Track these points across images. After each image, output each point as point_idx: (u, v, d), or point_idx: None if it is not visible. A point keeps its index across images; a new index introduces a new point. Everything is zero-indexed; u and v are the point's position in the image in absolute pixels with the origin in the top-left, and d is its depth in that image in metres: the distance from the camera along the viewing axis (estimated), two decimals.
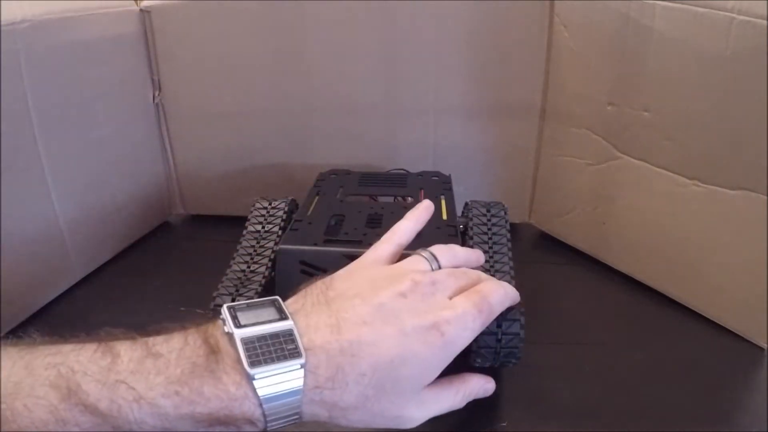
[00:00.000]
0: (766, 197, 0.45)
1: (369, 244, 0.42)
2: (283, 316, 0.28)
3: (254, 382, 0.26)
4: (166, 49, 0.61)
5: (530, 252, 0.64)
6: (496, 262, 0.45)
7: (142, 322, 0.52)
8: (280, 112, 0.63)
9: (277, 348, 0.27)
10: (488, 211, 0.50)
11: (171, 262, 0.64)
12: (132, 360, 0.25)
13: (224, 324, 0.27)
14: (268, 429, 0.27)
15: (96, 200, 0.58)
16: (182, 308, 0.54)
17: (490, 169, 0.65)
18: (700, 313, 0.52)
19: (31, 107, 0.48)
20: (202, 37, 0.60)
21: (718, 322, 0.51)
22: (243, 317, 0.28)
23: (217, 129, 0.65)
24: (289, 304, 0.30)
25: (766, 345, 0.49)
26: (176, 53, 0.61)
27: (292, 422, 0.28)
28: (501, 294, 0.35)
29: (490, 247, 0.46)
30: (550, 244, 0.64)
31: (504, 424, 0.42)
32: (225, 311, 0.28)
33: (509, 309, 0.39)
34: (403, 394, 0.30)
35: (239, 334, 0.27)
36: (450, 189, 0.54)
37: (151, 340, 0.27)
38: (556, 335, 0.51)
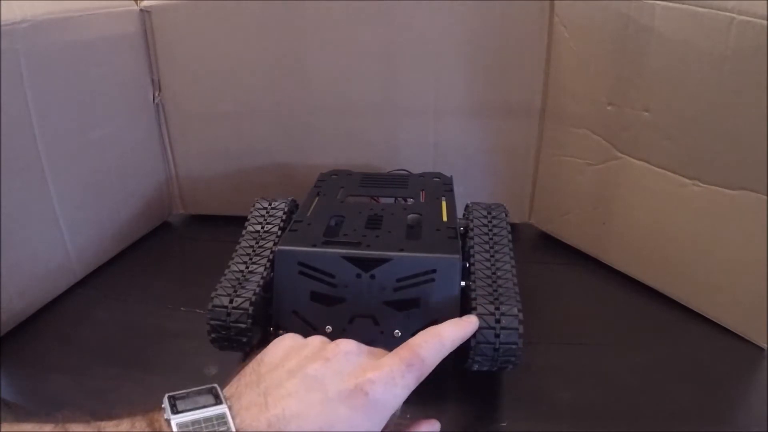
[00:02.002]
0: (766, 197, 0.45)
1: (368, 246, 0.43)
2: (218, 401, 0.30)
3: None
4: (166, 49, 0.61)
5: (530, 252, 0.64)
6: (497, 260, 0.45)
7: (143, 322, 0.52)
8: (280, 112, 0.63)
9: (210, 431, 0.28)
10: (489, 213, 0.50)
11: (171, 262, 0.64)
12: None
13: (164, 411, 0.29)
14: None
15: (96, 200, 0.58)
16: (182, 308, 0.54)
17: (491, 169, 0.65)
18: (700, 313, 0.52)
19: (31, 107, 0.48)
20: (202, 37, 0.60)
21: (718, 322, 0.51)
22: (181, 404, 0.30)
23: (217, 129, 0.65)
24: (226, 389, 0.31)
25: (766, 345, 0.49)
26: (176, 53, 0.61)
27: None
28: (434, 344, 0.34)
29: (492, 247, 0.46)
30: (550, 244, 0.64)
31: (504, 424, 0.42)
32: (165, 400, 0.30)
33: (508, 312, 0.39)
34: None
35: (175, 419, 0.29)
36: (451, 190, 0.54)
37: (103, 423, 0.29)
38: (556, 335, 0.51)
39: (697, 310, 0.53)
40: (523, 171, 0.65)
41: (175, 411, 0.29)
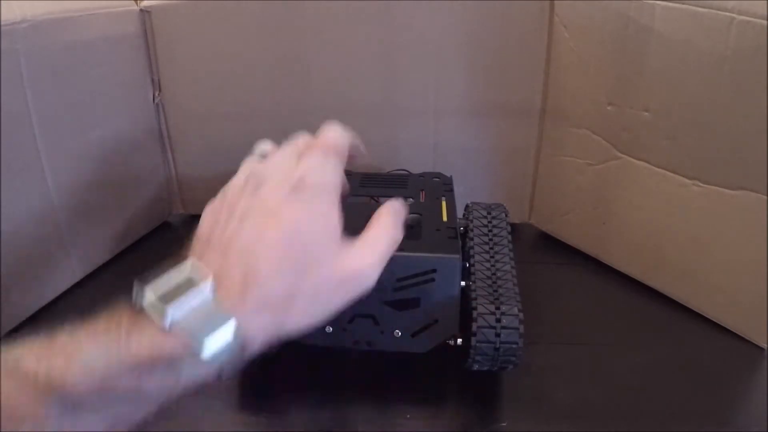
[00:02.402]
0: (766, 197, 0.45)
1: None
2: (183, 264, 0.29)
3: (167, 318, 0.26)
4: (166, 49, 0.61)
5: (530, 252, 0.64)
6: (497, 261, 0.45)
7: None
8: (280, 112, 0.63)
9: (178, 281, 0.28)
10: (489, 213, 0.50)
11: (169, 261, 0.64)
12: (66, 334, 0.27)
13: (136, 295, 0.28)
14: (206, 357, 0.27)
15: (96, 200, 0.58)
16: None
17: (490, 169, 0.65)
18: (700, 313, 0.53)
19: (31, 107, 0.48)
20: (202, 37, 0.60)
21: (718, 322, 0.51)
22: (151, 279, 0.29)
23: (217, 129, 0.65)
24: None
25: (766, 345, 0.49)
26: (176, 53, 0.61)
27: (239, 351, 0.27)
28: (335, 132, 0.38)
29: (491, 248, 0.46)
30: (550, 244, 0.64)
31: (504, 424, 0.42)
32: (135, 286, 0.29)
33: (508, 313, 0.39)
34: (322, 258, 0.30)
35: (146, 288, 0.28)
36: (451, 190, 0.54)
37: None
38: (556, 335, 0.51)
39: (697, 310, 0.53)
40: (523, 171, 0.65)
41: (142, 286, 0.28)
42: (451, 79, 0.61)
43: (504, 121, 0.62)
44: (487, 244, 0.47)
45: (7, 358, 0.26)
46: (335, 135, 0.38)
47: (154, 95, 0.63)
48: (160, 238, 0.67)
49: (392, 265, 0.40)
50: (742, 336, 0.50)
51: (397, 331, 0.41)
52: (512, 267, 0.44)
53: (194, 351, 0.26)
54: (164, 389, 0.27)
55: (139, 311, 0.27)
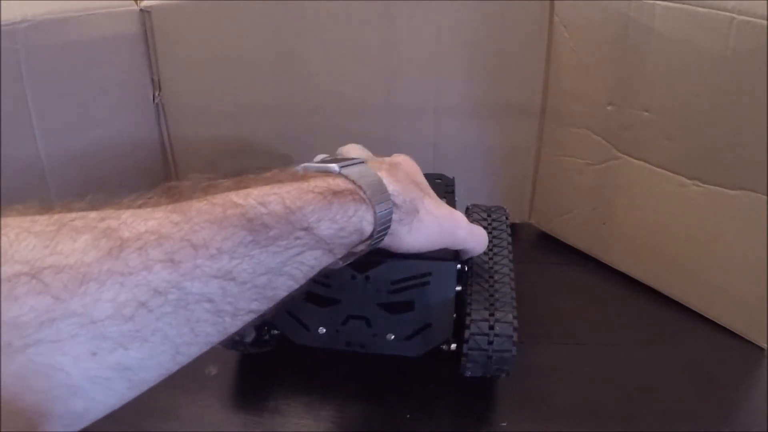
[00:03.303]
0: (766, 197, 0.45)
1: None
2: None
3: (343, 171, 0.30)
4: (166, 49, 0.61)
5: (530, 252, 0.64)
6: (495, 264, 0.44)
7: None
8: (280, 112, 0.63)
9: (347, 161, 0.32)
10: (489, 215, 0.50)
11: None
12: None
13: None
14: (376, 204, 0.30)
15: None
16: None
17: (490, 169, 0.65)
18: (700, 313, 0.52)
19: (31, 107, 0.48)
20: (202, 37, 0.60)
21: (718, 322, 0.51)
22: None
23: (217, 129, 0.65)
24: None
25: (766, 345, 0.49)
26: (176, 53, 0.61)
27: (390, 216, 0.31)
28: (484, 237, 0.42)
29: (490, 250, 0.46)
30: (550, 244, 0.64)
31: (504, 424, 0.42)
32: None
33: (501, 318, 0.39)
34: (435, 196, 0.37)
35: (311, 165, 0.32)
36: (452, 192, 0.53)
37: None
38: (556, 335, 0.51)
39: (697, 310, 0.53)
40: (523, 171, 0.65)
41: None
42: (451, 79, 0.61)
43: (504, 121, 0.62)
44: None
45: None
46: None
47: (154, 95, 0.63)
48: None
49: (388, 267, 0.40)
50: (742, 336, 0.50)
51: (390, 334, 0.41)
52: (511, 271, 0.44)
53: (364, 196, 0.29)
54: (330, 238, 0.28)
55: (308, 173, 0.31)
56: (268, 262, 0.25)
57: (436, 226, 0.34)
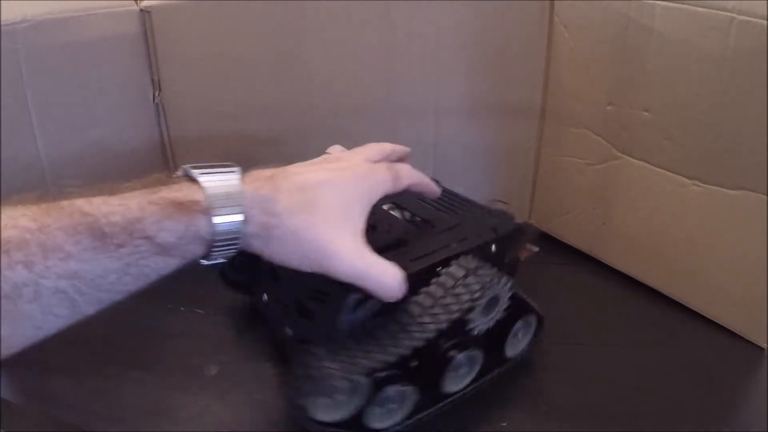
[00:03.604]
0: (766, 197, 0.45)
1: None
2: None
3: (199, 178, 0.32)
4: (166, 49, 0.61)
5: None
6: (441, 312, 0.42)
7: (143, 322, 0.52)
8: (280, 111, 0.63)
9: (219, 168, 0.34)
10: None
11: None
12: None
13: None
14: (213, 216, 0.31)
15: None
16: (182, 308, 0.54)
17: (491, 169, 0.65)
18: (700, 313, 0.52)
19: (31, 107, 0.48)
20: (202, 37, 0.60)
21: (718, 322, 0.51)
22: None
23: (217, 129, 0.65)
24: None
25: (766, 345, 0.49)
26: (176, 53, 0.61)
27: (237, 228, 0.32)
28: (410, 170, 0.42)
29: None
30: (550, 244, 0.64)
31: (504, 424, 0.42)
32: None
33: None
34: (332, 219, 0.34)
35: (187, 168, 0.34)
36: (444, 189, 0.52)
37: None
38: (556, 335, 0.51)
39: (697, 310, 0.53)
40: (523, 171, 0.65)
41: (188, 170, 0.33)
42: (451, 79, 0.61)
43: (504, 121, 0.62)
44: None
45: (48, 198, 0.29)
46: (413, 172, 0.43)
47: (154, 95, 0.63)
48: None
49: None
50: (742, 336, 0.50)
51: (288, 329, 0.43)
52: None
53: (208, 210, 0.31)
54: (172, 246, 0.30)
55: (175, 176, 0.33)
56: (113, 266, 0.29)
57: (296, 246, 0.34)
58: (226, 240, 0.32)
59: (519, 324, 0.44)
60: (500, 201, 0.49)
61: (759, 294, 0.47)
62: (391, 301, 0.36)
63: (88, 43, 0.54)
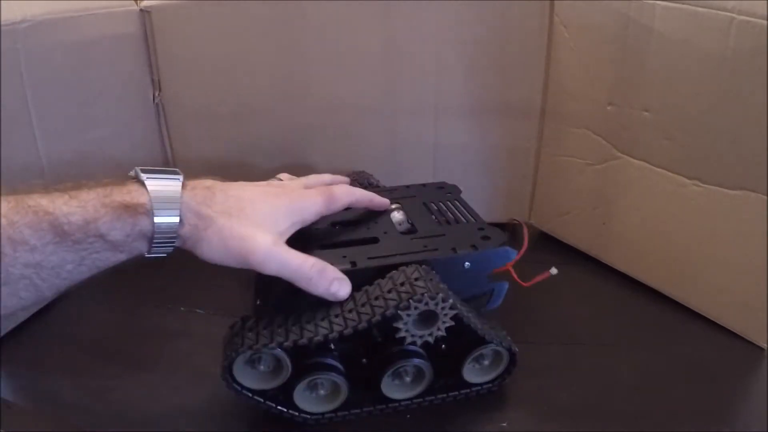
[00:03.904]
0: (766, 197, 0.45)
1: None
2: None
3: (147, 182, 0.36)
4: (166, 49, 0.61)
5: (530, 252, 0.64)
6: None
7: (143, 322, 0.52)
8: (280, 112, 0.63)
9: (165, 175, 0.38)
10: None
11: (171, 262, 0.64)
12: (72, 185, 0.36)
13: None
14: (155, 217, 0.36)
15: None
16: (182, 308, 0.54)
17: (491, 169, 0.65)
18: (700, 313, 0.53)
19: (31, 107, 0.48)
20: (202, 37, 0.60)
21: (718, 322, 0.51)
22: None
23: (217, 129, 0.65)
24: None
25: (766, 345, 0.49)
26: (176, 53, 0.61)
27: (173, 228, 0.36)
28: (346, 190, 0.46)
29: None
30: (550, 244, 0.64)
31: (504, 424, 0.42)
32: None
33: None
34: (257, 223, 0.39)
35: (138, 171, 0.38)
36: (457, 199, 0.52)
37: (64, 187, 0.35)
38: (555, 335, 0.51)
39: (697, 310, 0.53)
40: (523, 171, 0.65)
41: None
42: (451, 79, 0.61)
43: (504, 121, 0.62)
44: None
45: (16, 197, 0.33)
46: (347, 191, 0.46)
47: (154, 95, 0.63)
48: None
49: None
50: (742, 336, 0.50)
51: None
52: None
53: (151, 212, 0.35)
54: (120, 243, 0.35)
55: (128, 176, 0.38)
56: (71, 258, 0.34)
57: (221, 245, 0.38)
58: (165, 237, 0.37)
59: (481, 352, 0.43)
60: (515, 220, 0.49)
61: (759, 294, 0.47)
62: (313, 291, 0.39)
63: (88, 43, 0.54)
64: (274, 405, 0.41)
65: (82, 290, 0.56)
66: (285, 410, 0.42)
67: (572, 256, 0.62)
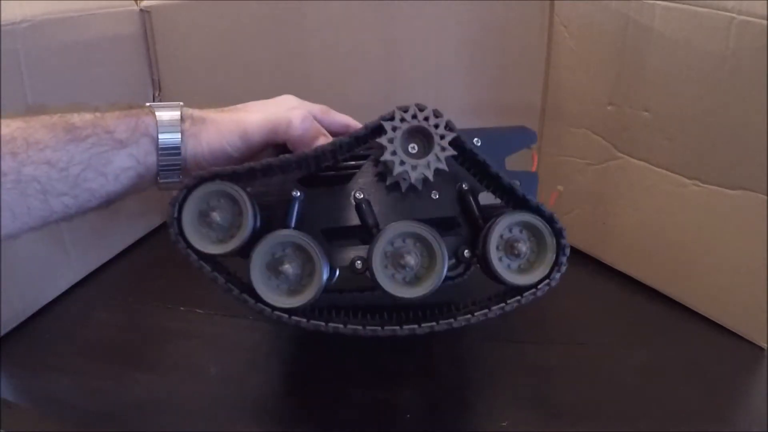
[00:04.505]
0: (766, 197, 0.45)
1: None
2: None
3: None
4: (166, 49, 0.61)
5: None
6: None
7: (143, 322, 0.52)
8: None
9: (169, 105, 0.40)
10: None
11: (171, 262, 0.64)
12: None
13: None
14: (156, 111, 0.39)
15: None
16: (182, 308, 0.54)
17: None
18: (700, 313, 0.52)
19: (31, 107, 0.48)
20: (202, 37, 0.60)
21: (718, 322, 0.51)
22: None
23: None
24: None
25: (766, 345, 0.49)
26: (176, 53, 0.61)
27: (175, 118, 0.39)
28: (302, 124, 0.44)
29: None
30: None
31: (504, 424, 0.42)
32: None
33: None
34: (248, 111, 0.43)
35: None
36: (529, 147, 0.49)
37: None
38: (556, 335, 0.51)
39: (697, 310, 0.53)
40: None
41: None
42: (451, 79, 0.61)
43: (504, 121, 0.62)
44: None
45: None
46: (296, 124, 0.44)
47: (154, 95, 0.63)
48: (159, 238, 0.67)
49: None
50: (742, 336, 0.50)
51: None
52: None
53: (153, 111, 0.38)
54: (126, 139, 0.37)
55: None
56: (79, 157, 0.35)
57: (220, 126, 0.41)
58: (168, 132, 0.38)
59: (509, 223, 0.37)
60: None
61: (759, 294, 0.47)
62: (292, 133, 0.41)
63: (88, 43, 0.54)
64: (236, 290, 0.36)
65: (82, 290, 0.57)
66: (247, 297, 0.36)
67: (572, 256, 0.61)
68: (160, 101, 0.63)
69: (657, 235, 0.54)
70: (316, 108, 0.46)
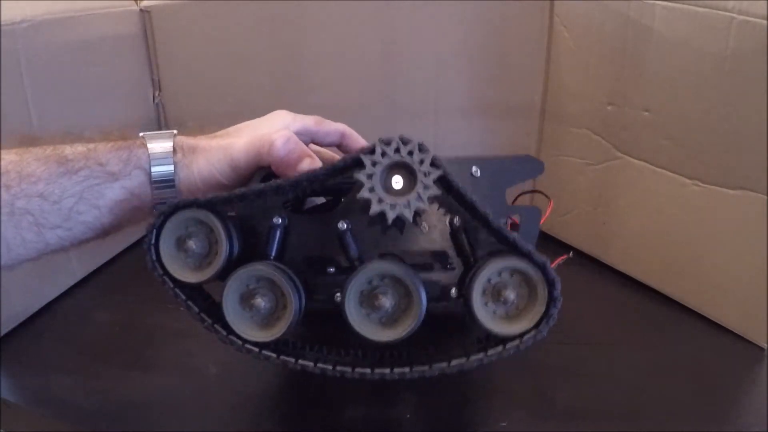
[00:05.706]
0: (766, 197, 0.45)
1: None
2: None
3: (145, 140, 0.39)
4: (166, 49, 0.61)
5: None
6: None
7: (143, 322, 0.52)
8: None
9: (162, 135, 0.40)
10: None
11: None
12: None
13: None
14: (149, 143, 0.38)
15: None
16: (182, 308, 0.54)
17: None
18: (700, 313, 0.52)
19: (31, 107, 0.48)
20: (202, 37, 0.60)
21: (718, 322, 0.51)
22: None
23: (217, 129, 0.65)
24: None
25: (766, 345, 0.49)
26: (176, 53, 0.61)
27: (167, 150, 0.38)
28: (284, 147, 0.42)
29: None
30: (550, 244, 0.64)
31: (504, 424, 0.42)
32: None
33: None
34: (236, 135, 0.43)
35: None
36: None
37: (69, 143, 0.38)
38: (556, 335, 0.51)
39: (697, 310, 0.53)
40: None
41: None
42: (451, 79, 0.61)
43: (504, 121, 0.62)
44: None
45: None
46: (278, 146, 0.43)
47: (154, 95, 0.63)
48: None
49: None
50: (742, 336, 0.50)
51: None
52: None
53: (145, 142, 0.38)
54: (119, 172, 0.37)
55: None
56: (73, 189, 0.35)
57: (209, 154, 0.40)
58: (161, 163, 0.38)
59: (497, 268, 0.34)
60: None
61: (759, 294, 0.47)
62: (275, 154, 0.39)
63: (88, 43, 0.54)
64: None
65: (83, 290, 0.57)
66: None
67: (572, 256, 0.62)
68: (161, 101, 0.63)
69: (657, 235, 0.54)
70: (310, 120, 0.45)
